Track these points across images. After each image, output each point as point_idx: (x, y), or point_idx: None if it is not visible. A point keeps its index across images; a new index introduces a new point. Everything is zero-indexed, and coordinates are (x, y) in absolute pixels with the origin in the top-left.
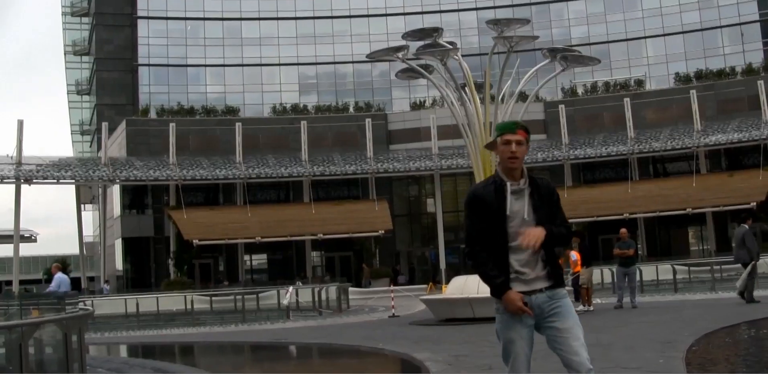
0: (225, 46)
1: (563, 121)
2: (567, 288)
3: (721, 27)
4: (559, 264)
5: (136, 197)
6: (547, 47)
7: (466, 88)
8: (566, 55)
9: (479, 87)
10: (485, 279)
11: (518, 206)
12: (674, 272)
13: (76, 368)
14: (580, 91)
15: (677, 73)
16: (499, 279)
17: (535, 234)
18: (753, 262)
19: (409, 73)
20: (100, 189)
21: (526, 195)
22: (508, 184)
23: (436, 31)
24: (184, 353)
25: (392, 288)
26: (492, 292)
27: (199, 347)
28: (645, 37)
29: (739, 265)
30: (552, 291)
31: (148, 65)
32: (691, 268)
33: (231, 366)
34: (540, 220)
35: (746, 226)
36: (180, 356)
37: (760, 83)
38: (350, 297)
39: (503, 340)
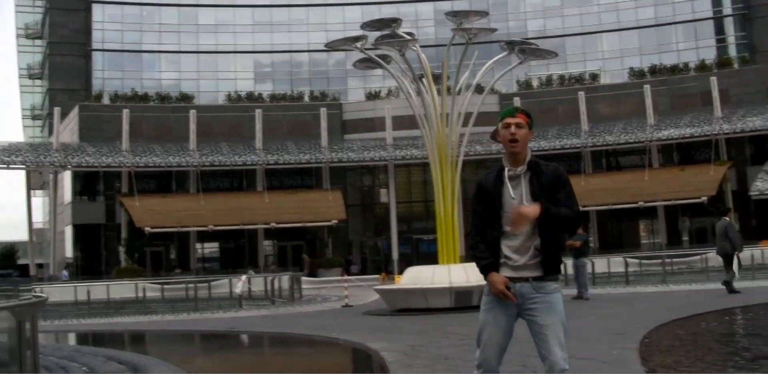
0: (181, 33)
1: None
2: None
3: (675, 23)
4: (557, 253)
5: (87, 183)
6: (504, 40)
7: (423, 79)
8: (524, 48)
9: (436, 78)
10: (475, 261)
11: (515, 192)
12: (626, 265)
13: (29, 356)
14: (535, 83)
15: (632, 68)
16: (485, 261)
17: (524, 211)
18: (736, 253)
19: (366, 63)
20: (51, 175)
21: (525, 181)
22: (506, 169)
23: (395, 21)
24: (136, 341)
25: (345, 277)
26: (481, 274)
27: (152, 335)
28: (600, 32)
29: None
30: (540, 283)
31: (103, 50)
32: (643, 261)
33: (184, 355)
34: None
35: (727, 219)
36: (132, 344)
37: (713, 79)
38: (303, 286)
39: (480, 323)
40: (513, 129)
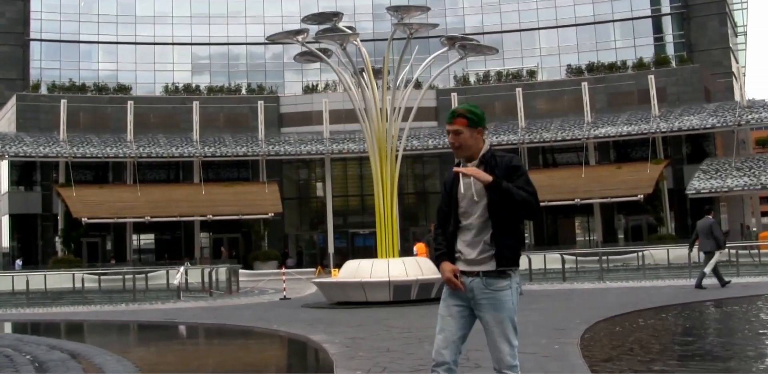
0: (119, 23)
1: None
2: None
3: (613, 21)
4: (512, 245)
5: (24, 173)
6: (443, 35)
7: (363, 74)
8: (464, 44)
9: (376, 72)
10: (431, 253)
11: (467, 187)
12: (563, 261)
13: None
14: (472, 79)
15: (569, 65)
16: (438, 251)
17: (476, 170)
18: (719, 251)
19: (307, 57)
20: None
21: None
22: (461, 165)
23: (336, 15)
24: (76, 331)
25: (284, 270)
26: (434, 264)
27: (91, 325)
28: (538, 28)
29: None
30: (490, 280)
31: (40, 40)
32: (579, 258)
33: (126, 345)
34: (491, 199)
35: (711, 218)
36: (73, 334)
37: (651, 78)
38: (240, 279)
39: (439, 313)
40: (451, 137)
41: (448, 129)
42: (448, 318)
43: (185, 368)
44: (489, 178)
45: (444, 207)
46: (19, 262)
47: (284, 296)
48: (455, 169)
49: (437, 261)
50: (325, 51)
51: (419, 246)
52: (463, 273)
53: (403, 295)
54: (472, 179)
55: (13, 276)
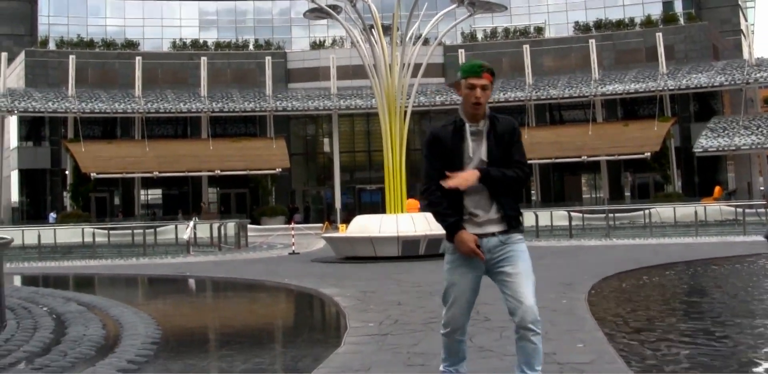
0: None
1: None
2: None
3: None
4: (517, 207)
5: (33, 128)
6: None
7: (373, 30)
8: (473, 1)
9: (385, 29)
10: (438, 218)
11: (477, 148)
12: (570, 218)
13: None
14: (479, 36)
15: (577, 22)
16: (451, 218)
17: (463, 176)
18: None
19: (317, 13)
20: None
21: (484, 136)
22: (467, 125)
23: None
24: (89, 284)
25: (293, 225)
26: (446, 233)
27: (104, 278)
28: None
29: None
30: (505, 236)
31: None
32: (585, 215)
33: (138, 298)
34: (494, 161)
35: None
36: (86, 287)
37: (658, 35)
38: (248, 234)
39: (446, 282)
40: (478, 92)
41: (473, 83)
42: (464, 287)
43: (200, 319)
44: (476, 175)
45: (439, 166)
46: (53, 215)
47: (293, 251)
48: (447, 182)
49: (452, 229)
50: (334, 7)
51: (410, 202)
52: (477, 236)
53: (411, 250)
54: (484, 138)
55: (23, 230)
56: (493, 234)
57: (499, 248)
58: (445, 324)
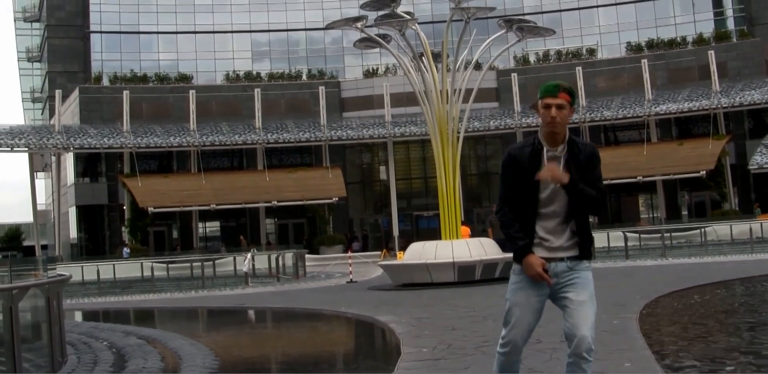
0: (177, 13)
1: (516, 89)
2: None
3: None
4: (590, 235)
5: (89, 165)
6: (502, 17)
7: (423, 57)
8: (522, 26)
9: (435, 56)
10: (509, 240)
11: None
12: (626, 239)
13: (56, 332)
14: (532, 59)
15: (629, 43)
16: (522, 242)
17: (555, 172)
18: None
19: (366, 43)
20: (53, 157)
21: (563, 162)
22: (545, 149)
23: (394, 1)
24: (149, 318)
25: (350, 254)
26: (514, 255)
27: (163, 312)
28: (597, 6)
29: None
30: (574, 262)
31: (100, 32)
32: (642, 235)
33: (197, 330)
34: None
35: None
36: (146, 321)
37: (711, 53)
38: (306, 264)
39: (509, 303)
40: (554, 111)
41: (548, 102)
42: (527, 308)
43: (259, 349)
44: (566, 178)
45: (513, 186)
46: (126, 250)
47: (351, 279)
48: (540, 175)
49: (521, 252)
50: (384, 36)
51: (463, 230)
52: (546, 260)
53: (467, 276)
54: (562, 164)
55: (82, 266)
56: (562, 260)
57: (567, 273)
58: (504, 344)
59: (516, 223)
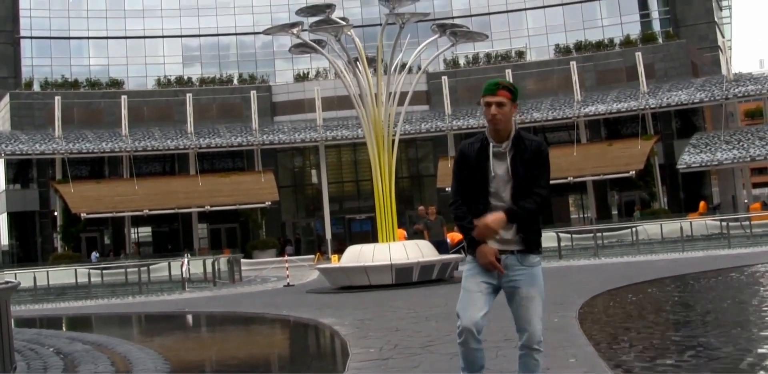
0: (108, 18)
1: (446, 91)
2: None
3: None
4: (537, 229)
5: (20, 171)
6: (434, 20)
7: (357, 62)
8: (455, 31)
9: (369, 60)
10: (463, 231)
11: (499, 168)
12: (558, 239)
13: (6, 338)
14: (461, 61)
15: (557, 45)
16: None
17: (489, 226)
18: None
19: (302, 48)
20: None
21: (508, 158)
22: (491, 145)
23: (329, 7)
24: (91, 324)
25: (286, 258)
26: (468, 245)
27: (103, 318)
28: (525, 9)
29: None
30: (523, 256)
31: (31, 38)
32: (574, 236)
33: (141, 335)
34: (519, 183)
35: None
36: (87, 327)
37: (638, 54)
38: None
39: (462, 289)
40: (494, 109)
41: (489, 100)
42: (478, 294)
43: (207, 353)
44: (503, 217)
45: (465, 181)
46: (95, 254)
47: (288, 283)
48: (475, 233)
49: (475, 241)
50: (318, 41)
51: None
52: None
53: (405, 278)
54: (508, 160)
55: (15, 273)
56: (512, 252)
57: (517, 267)
58: (459, 333)
59: (469, 215)
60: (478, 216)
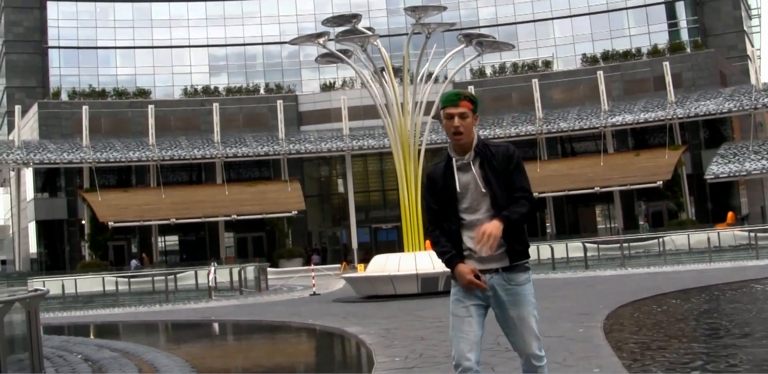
0: (135, 28)
1: None
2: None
3: (627, 8)
4: (522, 239)
5: (48, 180)
6: (460, 30)
7: (384, 72)
8: (481, 41)
9: (395, 70)
10: (439, 256)
11: (467, 181)
12: (585, 249)
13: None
14: (488, 71)
15: (584, 54)
16: (448, 254)
17: (489, 236)
18: None
19: (328, 58)
20: (12, 173)
21: (475, 168)
22: (454, 160)
23: (355, 17)
24: (119, 331)
25: (312, 267)
26: (446, 266)
27: (132, 326)
28: (552, 19)
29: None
30: (510, 275)
31: (59, 47)
32: (600, 246)
33: (168, 342)
34: (495, 192)
35: None
36: (115, 334)
37: (665, 64)
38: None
39: (451, 315)
40: (456, 121)
41: (451, 112)
42: (469, 319)
43: (233, 361)
44: (499, 227)
45: (434, 205)
46: (135, 262)
47: (314, 292)
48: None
49: (450, 264)
50: (344, 51)
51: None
52: (481, 272)
53: (430, 287)
54: (476, 170)
55: (44, 281)
56: (496, 271)
57: (504, 287)
58: (455, 365)
59: (442, 238)
60: (453, 236)
